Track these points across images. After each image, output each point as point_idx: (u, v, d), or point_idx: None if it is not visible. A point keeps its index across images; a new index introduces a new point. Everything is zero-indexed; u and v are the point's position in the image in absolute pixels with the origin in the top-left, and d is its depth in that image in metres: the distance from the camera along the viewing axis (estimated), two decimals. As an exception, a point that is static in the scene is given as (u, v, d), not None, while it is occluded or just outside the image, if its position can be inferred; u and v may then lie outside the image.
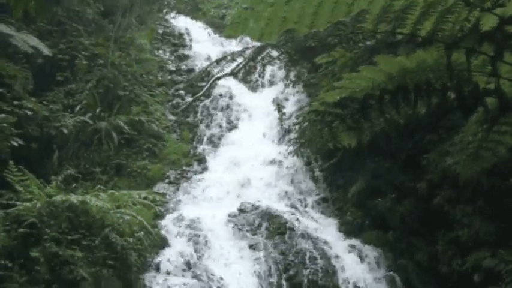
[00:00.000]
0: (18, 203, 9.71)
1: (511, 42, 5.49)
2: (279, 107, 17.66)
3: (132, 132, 15.39)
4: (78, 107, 15.03)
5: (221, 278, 10.60)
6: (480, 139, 7.09)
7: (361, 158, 12.82)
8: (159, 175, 14.94)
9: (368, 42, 6.61)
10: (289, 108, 17.59)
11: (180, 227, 12.08)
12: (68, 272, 8.92)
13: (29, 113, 12.90)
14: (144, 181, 14.43)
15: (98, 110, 15.12)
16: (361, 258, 11.71)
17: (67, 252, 9.08)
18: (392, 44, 5.69)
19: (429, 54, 5.82)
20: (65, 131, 13.71)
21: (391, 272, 11.29)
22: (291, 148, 15.32)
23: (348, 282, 11.05)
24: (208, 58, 20.23)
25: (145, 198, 11.51)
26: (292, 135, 15.72)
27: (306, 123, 12.21)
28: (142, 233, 10.45)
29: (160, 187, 14.53)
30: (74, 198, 9.68)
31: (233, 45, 21.08)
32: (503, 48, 5.49)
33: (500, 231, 10.09)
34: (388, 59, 5.92)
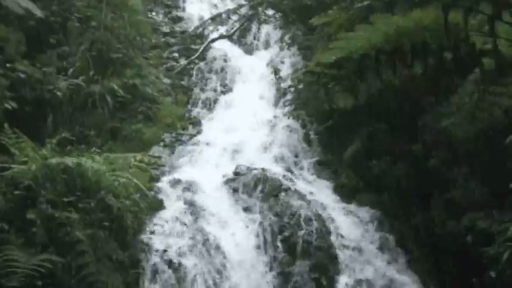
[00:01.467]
0: (13, 166, 9.69)
1: (509, 1, 5.44)
2: (275, 70, 17.59)
3: (126, 96, 15.27)
4: (72, 69, 14.89)
5: (217, 240, 10.68)
6: (476, 100, 7.08)
7: (357, 120, 12.81)
8: (154, 138, 14.92)
9: (365, 2, 6.54)
10: (285, 71, 17.52)
11: (175, 189, 12.12)
12: (65, 234, 8.96)
13: (22, 75, 12.77)
14: (139, 144, 14.39)
15: (91, 73, 14.98)
16: (356, 220, 11.79)
17: (63, 214, 9.09)
18: (389, 3, 5.63)
19: (426, 13, 5.76)
20: (59, 94, 13.59)
21: (386, 234, 11.39)
22: (287, 109, 15.37)
23: (342, 244, 11.16)
24: (202, 19, 20.04)
25: (140, 161, 11.51)
26: (288, 97, 15.73)
27: (302, 85, 12.20)
28: (138, 195, 10.48)
29: (156, 150, 14.52)
30: (69, 160, 9.66)
31: (227, 6, 20.84)
32: (501, 7, 5.44)
33: (495, 192, 10.15)
34: (385, 19, 5.87)
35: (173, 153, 14.53)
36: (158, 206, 11.29)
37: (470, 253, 9.88)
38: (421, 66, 6.26)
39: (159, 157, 13.93)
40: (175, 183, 12.34)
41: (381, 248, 11.18)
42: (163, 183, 12.29)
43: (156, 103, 16.10)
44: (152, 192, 11.40)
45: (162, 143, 14.88)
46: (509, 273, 8.60)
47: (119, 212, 9.82)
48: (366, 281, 10.60)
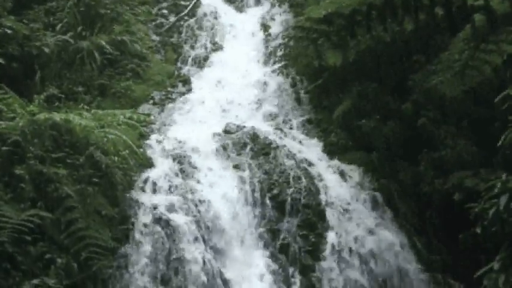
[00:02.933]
0: (0, 122, 9.64)
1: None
2: (266, 28, 17.42)
3: (114, 52, 15.09)
4: (59, 25, 14.69)
5: (206, 197, 10.74)
6: (466, 57, 7.04)
7: (347, 79, 12.75)
8: (143, 96, 14.81)
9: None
10: (275, 28, 17.33)
11: (165, 147, 12.11)
12: (53, 189, 8.97)
13: (9, 31, 12.61)
14: (128, 102, 14.30)
15: (79, 29, 14.78)
16: (344, 178, 11.86)
17: (51, 170, 9.10)
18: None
19: (418, -33, 5.68)
20: (47, 50, 13.43)
21: (373, 192, 11.48)
22: (277, 66, 15.26)
23: (330, 202, 11.24)
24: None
25: (129, 118, 11.46)
26: (279, 55, 15.62)
27: (292, 42, 12.07)
28: (127, 151, 10.46)
29: (145, 108, 14.44)
30: (57, 116, 9.62)
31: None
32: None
33: (483, 151, 10.21)
34: (377, -28, 5.79)
35: (163, 111, 14.45)
36: (147, 163, 11.31)
37: (456, 210, 9.98)
38: (412, 21, 6.21)
39: (149, 114, 13.87)
40: (165, 140, 12.32)
41: (369, 206, 11.28)
42: (153, 141, 12.28)
43: (145, 60, 15.92)
44: (141, 150, 11.38)
45: (151, 101, 14.78)
46: (495, 229, 8.70)
47: (107, 169, 9.83)
48: (354, 238, 10.74)
